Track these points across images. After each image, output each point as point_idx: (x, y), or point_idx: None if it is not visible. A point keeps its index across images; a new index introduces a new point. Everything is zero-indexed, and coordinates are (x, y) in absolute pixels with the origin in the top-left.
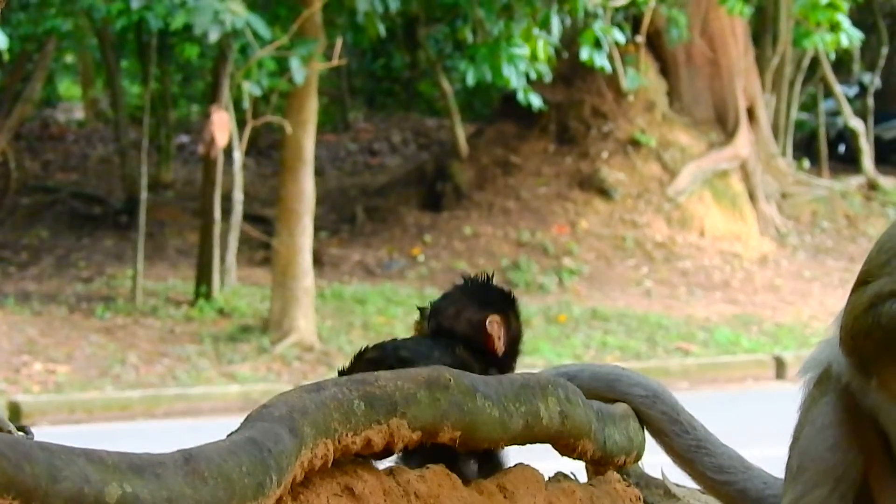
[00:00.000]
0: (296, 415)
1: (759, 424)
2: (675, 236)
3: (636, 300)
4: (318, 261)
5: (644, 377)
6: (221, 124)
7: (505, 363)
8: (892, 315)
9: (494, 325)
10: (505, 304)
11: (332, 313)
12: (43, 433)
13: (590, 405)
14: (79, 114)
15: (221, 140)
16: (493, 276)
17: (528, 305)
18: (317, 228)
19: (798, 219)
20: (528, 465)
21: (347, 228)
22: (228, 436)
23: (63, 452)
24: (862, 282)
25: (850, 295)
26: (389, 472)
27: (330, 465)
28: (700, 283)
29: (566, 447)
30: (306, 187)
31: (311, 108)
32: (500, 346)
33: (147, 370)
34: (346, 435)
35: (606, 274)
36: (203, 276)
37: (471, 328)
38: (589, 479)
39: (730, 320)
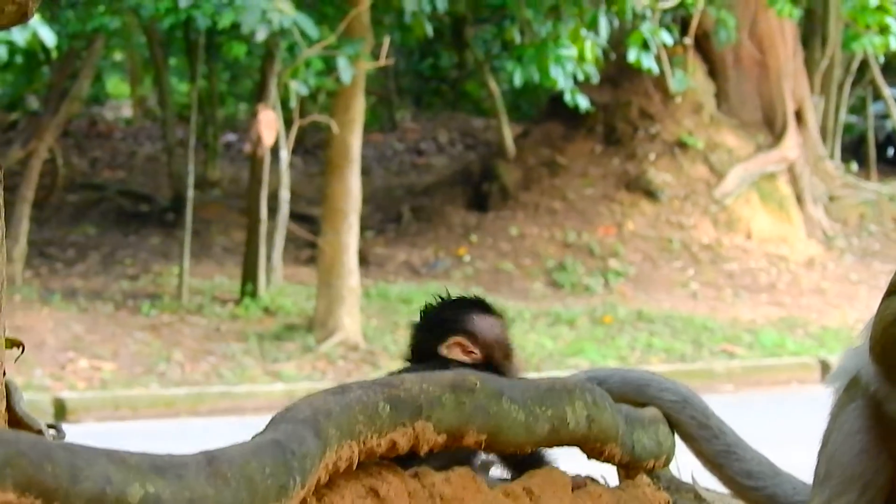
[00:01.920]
0: (320, 417)
1: (803, 428)
2: (721, 238)
3: (682, 302)
4: (363, 260)
5: (674, 382)
6: (268, 123)
7: (495, 369)
8: None
9: (452, 348)
10: (463, 319)
11: (377, 312)
12: (87, 430)
13: (618, 409)
14: (126, 111)
15: (268, 139)
16: (446, 297)
17: (573, 306)
18: (363, 228)
19: (845, 222)
20: (555, 468)
21: (393, 228)
22: (253, 437)
23: (85, 452)
24: (893, 291)
25: (881, 303)
26: (414, 474)
27: (354, 467)
28: (746, 286)
29: (593, 451)
30: (352, 186)
31: (358, 108)
32: (473, 359)
33: (192, 368)
34: (371, 437)
35: (652, 275)
36: (249, 275)
37: (440, 357)
38: (619, 482)
39: (775, 323)
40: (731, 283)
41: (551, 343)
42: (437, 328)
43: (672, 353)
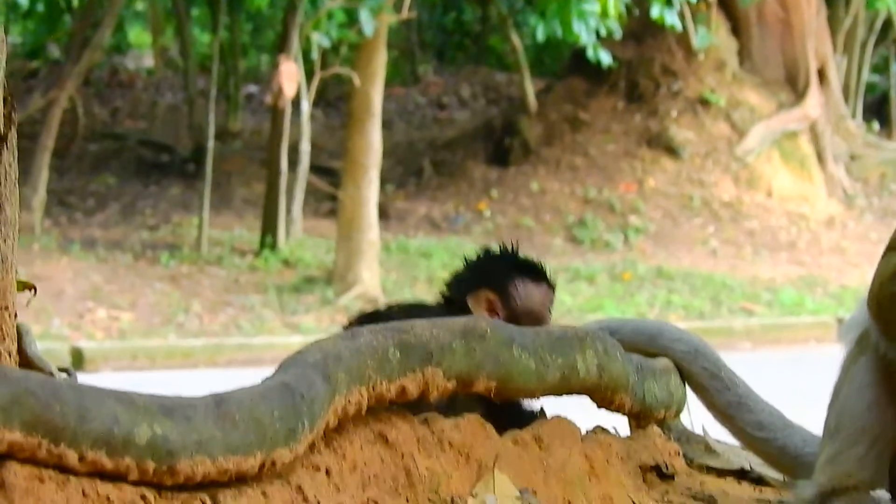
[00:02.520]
0: (330, 361)
1: (821, 386)
2: (742, 196)
3: (702, 259)
4: (383, 214)
5: (686, 332)
6: (290, 75)
7: None
8: None
9: (480, 302)
10: (504, 277)
11: (396, 266)
12: (104, 380)
13: (629, 359)
14: (148, 61)
15: (289, 90)
16: (512, 247)
17: (592, 262)
18: (383, 181)
19: (866, 181)
20: (564, 418)
21: (414, 182)
22: (262, 381)
23: (93, 393)
24: (893, 247)
25: (881, 260)
26: (423, 420)
27: (363, 412)
28: (766, 244)
29: (604, 400)
30: (373, 140)
31: (380, 61)
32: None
33: (210, 319)
34: (381, 383)
35: (672, 233)
36: (269, 227)
37: (464, 304)
38: (630, 432)
39: (795, 281)
40: (751, 241)
41: (570, 299)
42: (475, 276)
43: (691, 310)
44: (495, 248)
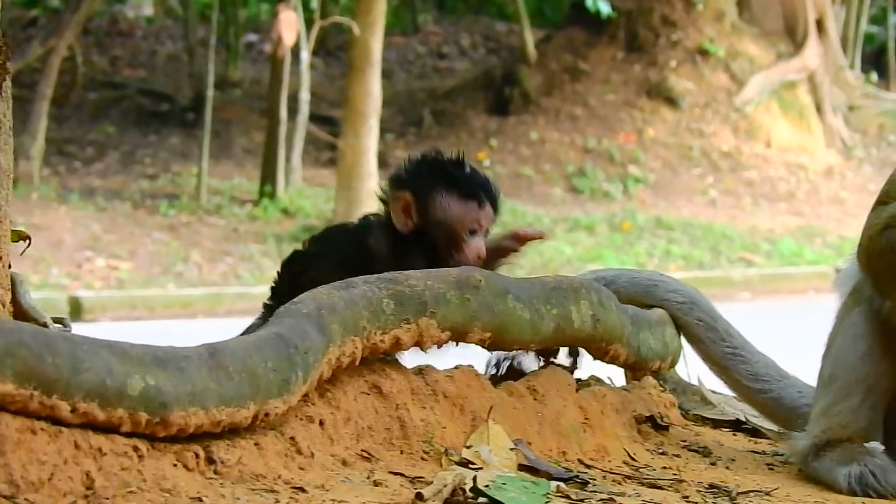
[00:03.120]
0: (324, 312)
1: (820, 337)
2: (741, 146)
3: (701, 209)
4: (383, 163)
5: (682, 283)
6: (289, 23)
7: (423, 244)
8: None
9: (399, 202)
10: (431, 184)
11: None
12: (103, 329)
13: (624, 310)
14: (148, 10)
15: (289, 39)
16: (459, 157)
17: (592, 212)
18: (383, 131)
19: (865, 132)
20: (558, 368)
21: (414, 131)
22: (256, 331)
23: (86, 343)
24: (882, 201)
25: (870, 213)
26: (418, 371)
27: (358, 363)
28: (765, 194)
29: (598, 351)
30: (373, 89)
31: (380, 10)
32: (406, 226)
33: (210, 269)
34: (375, 333)
35: (672, 182)
36: (268, 176)
37: (386, 208)
38: (626, 383)
39: (794, 232)
40: (750, 192)
41: (570, 249)
42: (406, 176)
43: (690, 260)
44: (440, 153)
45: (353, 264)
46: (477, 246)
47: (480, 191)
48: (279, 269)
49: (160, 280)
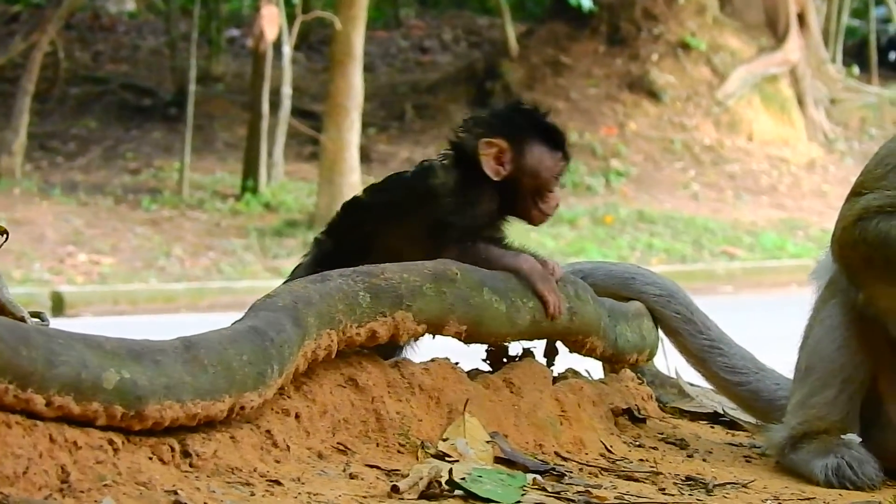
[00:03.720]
0: (300, 305)
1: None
2: (723, 140)
3: (683, 203)
4: (365, 157)
5: (659, 276)
6: (271, 18)
7: (521, 198)
8: (877, 232)
9: (491, 148)
10: (526, 133)
11: None
12: (85, 324)
13: (601, 303)
14: (130, 5)
15: (271, 34)
16: (542, 110)
17: (574, 206)
18: (365, 124)
19: (846, 125)
20: (535, 361)
21: (396, 125)
22: (232, 324)
23: (61, 337)
24: (856, 192)
25: (844, 204)
26: (394, 364)
27: (334, 356)
28: (747, 188)
29: (575, 343)
30: (355, 83)
31: (362, 4)
32: (498, 174)
33: (192, 263)
34: (351, 326)
35: (654, 176)
36: (250, 170)
37: (470, 151)
38: (604, 376)
39: (776, 225)
40: (732, 185)
41: (552, 243)
42: (495, 121)
43: (673, 253)
44: (525, 102)
45: (414, 209)
46: (557, 196)
47: (565, 142)
48: (339, 211)
49: (143, 274)
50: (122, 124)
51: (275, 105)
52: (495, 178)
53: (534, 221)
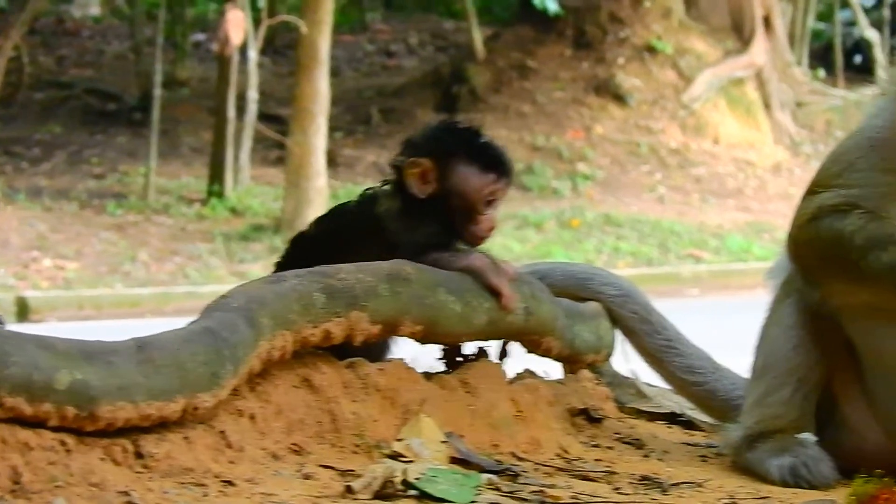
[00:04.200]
0: (254, 305)
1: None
2: (689, 143)
3: (649, 206)
4: (332, 161)
5: (616, 277)
6: (236, 22)
7: (451, 220)
8: (830, 230)
9: (415, 167)
10: (452, 152)
11: None
12: (50, 329)
13: (557, 303)
14: (94, 9)
15: (236, 38)
16: (477, 129)
17: (541, 209)
18: (332, 129)
19: (812, 128)
20: (491, 361)
21: (363, 129)
22: (187, 325)
23: (13, 338)
24: (812, 191)
25: (800, 202)
26: (349, 364)
27: (289, 356)
28: (713, 191)
29: (531, 343)
30: (321, 87)
31: (327, 8)
32: (424, 191)
33: (158, 268)
34: (306, 327)
35: (620, 179)
36: (216, 175)
37: (398, 174)
38: (562, 377)
39: (742, 228)
40: (698, 188)
41: (519, 246)
42: (424, 141)
43: (639, 256)
44: (460, 122)
45: (362, 238)
46: (491, 219)
47: (499, 163)
48: (287, 247)
49: (108, 279)
50: (87, 129)
51: (241, 109)
52: (421, 197)
53: (469, 242)
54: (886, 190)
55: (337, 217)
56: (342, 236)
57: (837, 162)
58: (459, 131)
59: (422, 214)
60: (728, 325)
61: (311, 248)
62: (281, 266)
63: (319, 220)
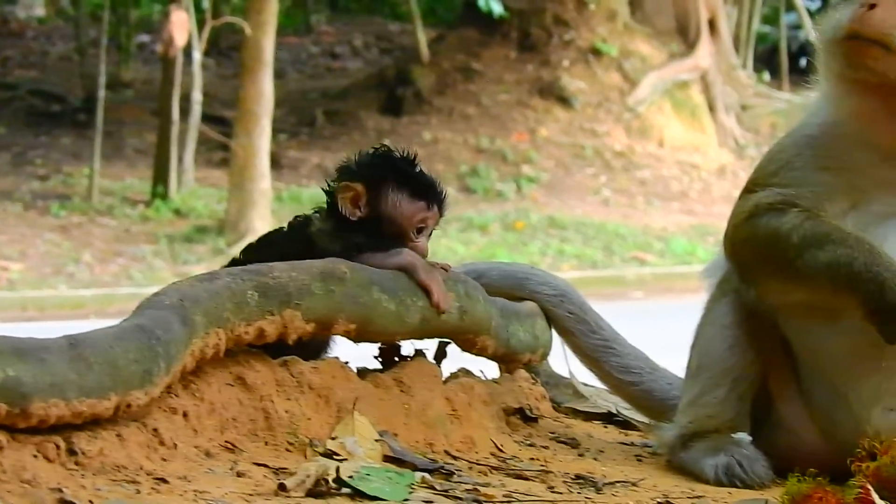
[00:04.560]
0: (187, 303)
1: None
2: (634, 146)
3: (594, 209)
4: (276, 163)
5: (553, 276)
6: (180, 23)
7: (370, 234)
8: (767, 228)
9: (347, 191)
10: (383, 177)
11: (288, 215)
12: None
13: (493, 302)
14: (39, 10)
15: (180, 39)
16: (412, 156)
17: (485, 212)
18: (276, 131)
19: (757, 131)
20: (426, 360)
21: (307, 131)
22: (119, 323)
23: None
24: (748, 189)
25: (737, 201)
26: (283, 363)
27: (222, 354)
28: (658, 193)
29: (466, 342)
30: (265, 89)
31: (272, 10)
32: (355, 214)
33: (101, 269)
34: (239, 325)
35: (565, 182)
36: (160, 177)
37: (331, 198)
38: (499, 376)
39: (686, 230)
40: (643, 191)
41: (463, 248)
42: (357, 166)
43: (584, 259)
44: (394, 149)
45: (293, 258)
46: (422, 245)
47: (430, 192)
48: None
49: (52, 281)
50: (31, 130)
51: (185, 111)
52: (352, 219)
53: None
54: (823, 189)
55: (266, 244)
56: (273, 261)
57: (774, 160)
58: (392, 158)
59: (353, 232)
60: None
61: None
62: None
63: (248, 247)
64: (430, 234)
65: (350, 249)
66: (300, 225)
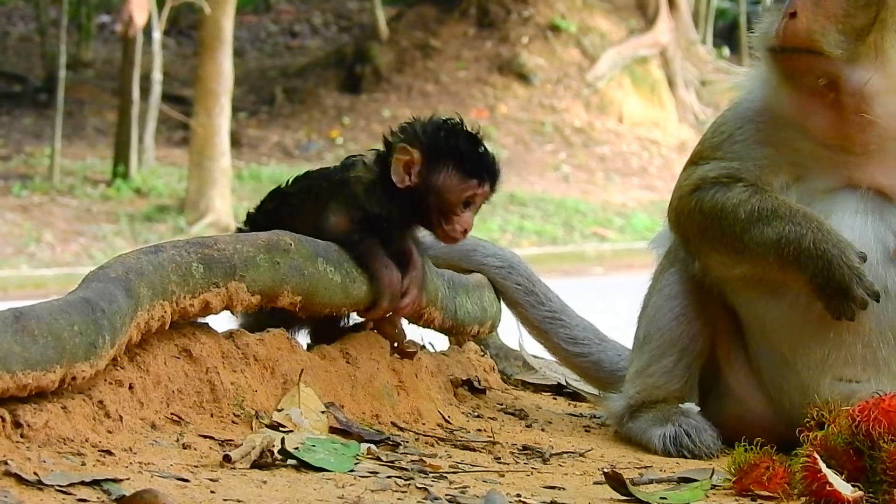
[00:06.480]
0: (132, 276)
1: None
2: (593, 122)
3: (554, 185)
4: (236, 141)
5: (500, 248)
6: (140, 3)
7: (419, 203)
8: (713, 202)
9: (404, 154)
10: (444, 152)
11: (249, 194)
12: None
13: (439, 274)
14: None
15: (140, 19)
16: (477, 133)
17: None
18: (236, 109)
19: (717, 106)
20: (372, 332)
21: (266, 110)
22: (65, 296)
23: None
24: (693, 162)
25: (682, 173)
26: (228, 335)
27: (168, 327)
28: (618, 169)
29: (412, 315)
30: (225, 68)
31: None
32: (403, 182)
33: (63, 249)
34: (184, 297)
35: (524, 158)
36: (121, 156)
37: (386, 147)
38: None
39: (646, 206)
40: (602, 167)
41: None
42: (424, 132)
43: (544, 235)
44: (464, 123)
45: (325, 195)
46: (466, 220)
47: (485, 171)
48: (265, 197)
49: (12, 261)
50: None
51: (145, 90)
52: (400, 186)
53: (440, 239)
54: (765, 162)
55: (313, 176)
56: (310, 193)
57: (717, 133)
58: (456, 132)
59: (387, 198)
60: (632, 303)
61: (280, 201)
62: (252, 215)
63: (298, 178)
64: (478, 210)
65: (360, 230)
66: (346, 165)
